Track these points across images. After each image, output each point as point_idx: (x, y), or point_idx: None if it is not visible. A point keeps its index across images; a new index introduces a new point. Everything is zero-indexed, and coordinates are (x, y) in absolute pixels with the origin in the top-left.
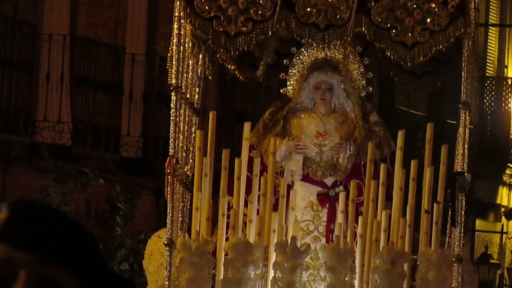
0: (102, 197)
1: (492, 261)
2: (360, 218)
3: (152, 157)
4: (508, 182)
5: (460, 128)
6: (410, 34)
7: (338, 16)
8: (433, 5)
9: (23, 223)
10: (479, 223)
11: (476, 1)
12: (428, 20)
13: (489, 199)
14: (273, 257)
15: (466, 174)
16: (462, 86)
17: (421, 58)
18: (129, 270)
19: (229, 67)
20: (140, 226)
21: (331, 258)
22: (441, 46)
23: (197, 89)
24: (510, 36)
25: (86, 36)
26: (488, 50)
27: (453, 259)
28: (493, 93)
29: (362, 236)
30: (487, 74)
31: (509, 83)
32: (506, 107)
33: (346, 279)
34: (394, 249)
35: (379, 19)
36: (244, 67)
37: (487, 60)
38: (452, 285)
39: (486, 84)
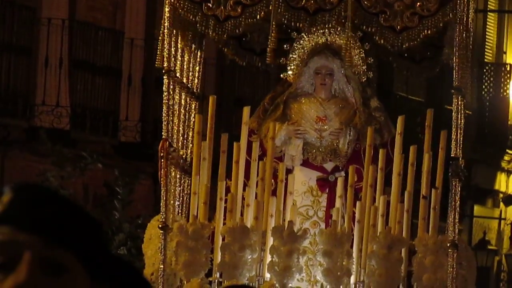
0: (100, 181)
1: (490, 247)
2: (358, 203)
3: (151, 142)
4: (506, 168)
5: (454, 114)
6: (399, 19)
7: (327, 0)
8: None
9: (27, 206)
10: (477, 209)
11: None
12: (417, 5)
13: (488, 185)
14: (270, 241)
15: (460, 160)
16: (454, 71)
17: (410, 43)
18: (127, 254)
19: (227, 51)
20: (138, 211)
21: (328, 243)
22: (429, 31)
23: (196, 74)
24: (509, 22)
25: (85, 20)
26: (486, 36)
27: (448, 244)
28: (491, 79)
29: (360, 221)
30: (485, 60)
31: (508, 69)
32: (505, 93)
33: (344, 263)
34: (391, 235)
35: (368, 4)
36: (243, 52)
37: (486, 46)
38: (448, 270)
39: (484, 70)
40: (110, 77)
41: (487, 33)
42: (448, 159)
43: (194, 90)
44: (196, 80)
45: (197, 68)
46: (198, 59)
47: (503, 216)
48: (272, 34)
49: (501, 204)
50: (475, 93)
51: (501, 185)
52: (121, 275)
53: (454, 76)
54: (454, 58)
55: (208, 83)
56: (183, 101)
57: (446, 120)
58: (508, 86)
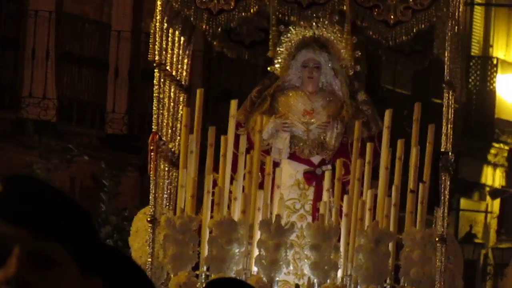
0: (87, 173)
1: (476, 240)
2: (345, 196)
3: (138, 134)
4: (493, 162)
5: (444, 108)
6: (392, 13)
7: None
8: None
9: (16, 198)
10: (463, 202)
11: None
12: None
13: (474, 178)
14: (257, 235)
15: (450, 154)
16: (445, 66)
17: (403, 37)
18: (113, 246)
19: (216, 44)
20: (125, 203)
21: (315, 237)
22: (423, 25)
23: (185, 67)
24: (495, 15)
25: (72, 12)
26: (473, 30)
27: (436, 238)
28: (478, 72)
29: (347, 215)
30: (472, 53)
31: (494, 62)
32: (491, 87)
33: (331, 257)
34: (378, 228)
35: None
36: (232, 44)
37: (472, 40)
38: (437, 265)
39: (471, 64)
40: (97, 69)
41: (473, 26)
42: (436, 153)
43: (183, 83)
44: (184, 73)
45: (186, 61)
46: (188, 52)
47: (489, 210)
48: (273, 29)
49: (488, 198)
50: (464, 87)
51: (488, 179)
52: (113, 265)
53: (445, 71)
54: (446, 52)
55: (195, 75)
56: (172, 94)
57: (433, 114)
58: (494, 79)
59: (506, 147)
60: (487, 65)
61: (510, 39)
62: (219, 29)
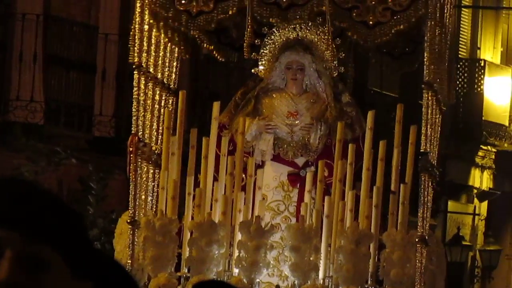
0: (74, 176)
1: (464, 242)
2: (326, 198)
3: (125, 137)
4: (480, 164)
5: (424, 109)
6: (371, 14)
7: None
8: None
9: (7, 201)
10: (451, 205)
11: None
12: (390, 0)
13: (462, 180)
14: (238, 236)
15: (429, 154)
16: (425, 66)
17: (382, 38)
18: (101, 249)
19: (206, 46)
20: (112, 206)
21: (295, 238)
22: (402, 26)
23: (173, 69)
24: (483, 18)
25: (60, 15)
26: (461, 32)
27: (417, 239)
28: (465, 74)
29: (328, 216)
30: (460, 55)
31: (482, 64)
32: (479, 89)
33: (311, 258)
34: (358, 229)
35: None
36: (222, 47)
37: (460, 42)
38: (417, 266)
39: (459, 66)
40: (85, 72)
41: (461, 28)
42: (418, 154)
43: (171, 85)
44: (173, 76)
45: (175, 64)
46: (176, 55)
47: (477, 212)
48: (248, 29)
49: (475, 200)
50: (451, 89)
51: (475, 181)
52: (103, 268)
53: (424, 71)
54: (425, 53)
55: (182, 78)
56: (157, 97)
57: (420, 116)
58: (482, 82)
59: (494, 149)
60: (474, 68)
61: (497, 42)
62: (197, 32)
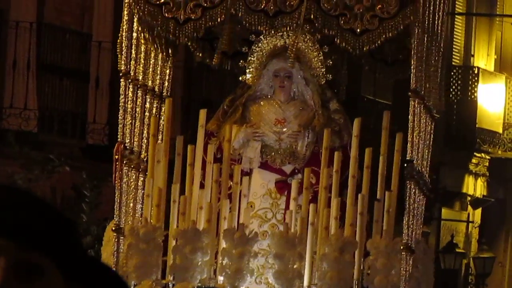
0: (68, 184)
1: (458, 250)
2: (311, 205)
3: None
4: (474, 171)
5: (410, 116)
6: (359, 22)
7: (287, 3)
8: None
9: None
10: (445, 212)
11: None
12: (377, 7)
13: (455, 188)
14: (223, 244)
15: (415, 162)
16: (412, 74)
17: (370, 45)
18: (95, 256)
19: (198, 54)
20: (106, 213)
21: (279, 246)
22: (390, 34)
23: (166, 77)
24: (477, 25)
25: (53, 23)
26: (454, 39)
27: (401, 247)
28: (459, 82)
29: (313, 224)
30: (453, 63)
31: (475, 72)
32: (473, 96)
33: (295, 266)
34: (343, 237)
35: (328, 7)
36: (214, 54)
37: (454, 49)
38: (401, 273)
39: (452, 73)
40: (78, 79)
41: (455, 36)
42: (404, 162)
43: (164, 93)
44: (166, 84)
45: (167, 71)
46: (169, 63)
47: (471, 219)
48: (224, 36)
49: (469, 207)
50: (443, 96)
51: (469, 188)
52: (96, 274)
53: (411, 78)
54: (412, 60)
55: (176, 85)
56: (148, 104)
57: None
58: (476, 89)
59: (488, 157)
60: (468, 75)
61: (491, 49)
62: (186, 39)
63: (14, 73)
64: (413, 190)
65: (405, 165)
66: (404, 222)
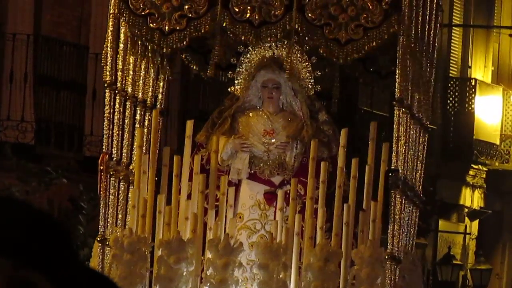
0: (65, 196)
1: (455, 261)
2: (296, 215)
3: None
4: (471, 183)
5: (395, 125)
6: (343, 31)
7: (272, 13)
8: (367, 2)
9: None
10: (442, 224)
11: (440, 2)
12: (362, 17)
13: (453, 199)
14: (208, 254)
15: (400, 171)
16: (397, 83)
17: (355, 55)
18: (92, 268)
19: (192, 66)
20: None
21: (263, 256)
22: (374, 43)
23: (161, 90)
24: (474, 37)
25: (50, 35)
26: (451, 51)
27: (386, 257)
28: (456, 93)
29: (298, 234)
30: (450, 74)
31: (473, 83)
32: (470, 108)
33: (280, 276)
34: (327, 247)
35: (313, 16)
36: (210, 67)
37: (451, 61)
38: (386, 283)
39: (449, 85)
40: (75, 92)
41: (452, 47)
42: (387, 171)
43: (158, 106)
44: (160, 96)
45: (161, 84)
46: (163, 76)
47: (468, 231)
48: (216, 47)
49: (466, 219)
50: (439, 108)
51: (466, 200)
52: (92, 286)
53: (396, 88)
54: (397, 69)
55: (172, 97)
56: (138, 116)
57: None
58: (473, 100)
59: (485, 168)
60: (465, 87)
61: (488, 61)
62: (169, 50)
63: (11, 85)
64: (399, 200)
65: (390, 174)
66: (389, 231)
